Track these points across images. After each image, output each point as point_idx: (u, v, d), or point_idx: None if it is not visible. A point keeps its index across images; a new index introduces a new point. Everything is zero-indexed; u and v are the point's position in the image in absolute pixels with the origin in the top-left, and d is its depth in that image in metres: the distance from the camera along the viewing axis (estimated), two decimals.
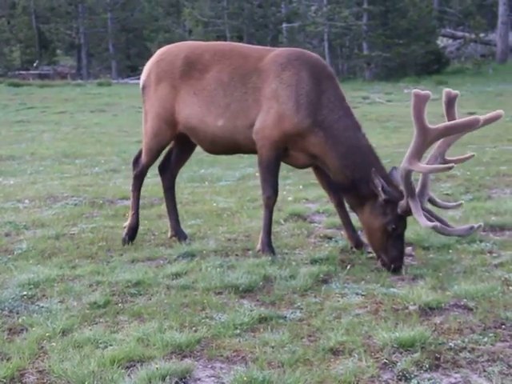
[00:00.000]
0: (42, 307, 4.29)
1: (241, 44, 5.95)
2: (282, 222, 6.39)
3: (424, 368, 3.43)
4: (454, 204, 5.29)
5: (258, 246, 5.42)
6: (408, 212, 4.87)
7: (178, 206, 6.13)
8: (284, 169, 5.60)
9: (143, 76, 5.80)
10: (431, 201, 5.03)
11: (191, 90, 5.49)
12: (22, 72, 37.16)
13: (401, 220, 4.99)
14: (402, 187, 4.89)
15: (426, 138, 4.65)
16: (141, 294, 4.54)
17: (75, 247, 5.69)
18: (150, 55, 6.00)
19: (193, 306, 4.28)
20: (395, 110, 18.36)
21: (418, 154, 4.70)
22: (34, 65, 38.78)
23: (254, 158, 9.61)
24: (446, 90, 4.99)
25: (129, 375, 3.37)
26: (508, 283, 4.59)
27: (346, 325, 3.93)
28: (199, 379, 3.39)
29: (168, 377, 3.32)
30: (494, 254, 5.32)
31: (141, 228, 6.25)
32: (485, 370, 3.40)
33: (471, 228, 4.76)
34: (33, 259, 5.33)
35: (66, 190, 8.12)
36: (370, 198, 5.04)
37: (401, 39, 31.81)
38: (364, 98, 21.17)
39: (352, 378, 3.32)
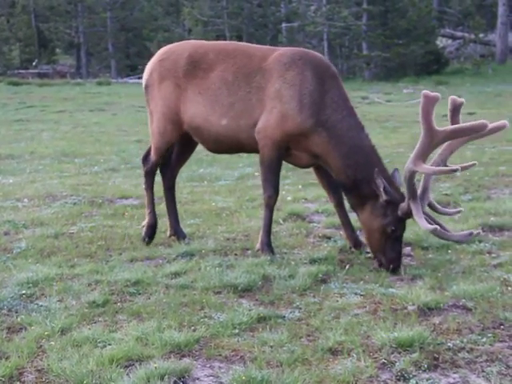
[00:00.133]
0: (41, 306, 4.29)
1: (244, 43, 5.93)
2: (281, 221, 6.39)
3: (422, 368, 3.43)
4: (454, 211, 5.28)
5: (258, 246, 5.42)
6: (408, 214, 4.87)
7: (177, 206, 6.13)
8: (283, 168, 5.60)
9: (145, 75, 5.79)
10: (431, 206, 5.02)
11: (196, 89, 5.49)
12: (21, 71, 37.12)
13: (400, 222, 4.99)
14: (403, 188, 4.89)
15: (432, 139, 4.64)
16: (140, 294, 4.55)
17: (74, 246, 5.69)
18: (150, 54, 6.01)
19: (192, 306, 4.28)
20: (394, 110, 18.37)
21: (423, 155, 4.70)
22: (34, 64, 38.76)
23: (253, 158, 9.65)
24: (451, 97, 4.96)
25: (127, 374, 3.38)
26: (507, 284, 4.60)
27: (344, 325, 3.93)
28: (198, 379, 3.40)
29: (167, 376, 3.32)
30: (493, 255, 5.32)
31: (139, 227, 6.25)
32: (483, 371, 3.41)
33: (470, 234, 4.78)
34: (32, 258, 5.33)
35: (65, 189, 8.12)
36: (371, 198, 5.04)
37: (400, 39, 31.81)
38: (363, 98, 21.18)
39: (351, 377, 3.32)
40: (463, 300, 4.30)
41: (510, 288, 4.51)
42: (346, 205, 5.56)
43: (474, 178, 8.26)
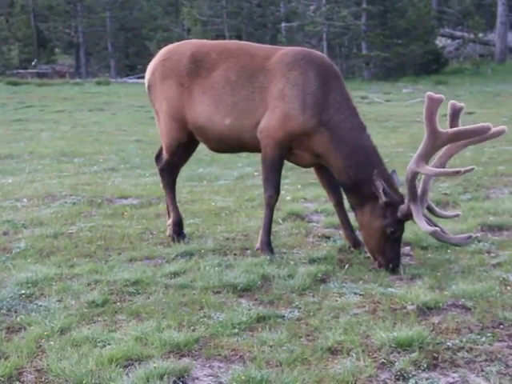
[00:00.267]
0: (40, 306, 4.29)
1: (247, 42, 5.91)
2: (281, 221, 6.39)
3: (422, 368, 3.44)
4: (452, 214, 5.28)
5: (257, 245, 5.42)
6: (408, 216, 4.87)
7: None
8: (283, 168, 5.60)
9: (147, 75, 5.79)
10: (429, 209, 5.02)
11: (199, 88, 5.49)
12: (20, 71, 37.07)
13: (399, 224, 4.99)
14: (405, 189, 4.88)
15: (436, 141, 4.64)
16: (139, 293, 4.55)
17: (73, 246, 5.69)
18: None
19: (191, 305, 4.28)
20: (394, 110, 18.36)
21: (426, 157, 4.70)
22: (33, 63, 38.71)
23: (253, 158, 9.66)
24: (451, 102, 4.95)
25: (127, 374, 3.38)
26: (506, 283, 4.60)
27: (344, 324, 3.94)
28: (197, 378, 3.40)
29: (166, 376, 3.33)
30: (492, 254, 5.32)
31: (138, 227, 6.26)
32: (483, 370, 3.41)
33: (469, 237, 4.79)
34: (31, 258, 5.33)
35: (65, 189, 8.12)
36: (371, 199, 5.03)
37: (399, 39, 31.79)
38: (363, 97, 21.17)
39: (350, 377, 3.33)
40: (462, 299, 4.31)
41: (509, 287, 4.52)
42: (346, 204, 5.57)
43: (473, 177, 8.26)
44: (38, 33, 40.73)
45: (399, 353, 3.59)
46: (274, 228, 5.95)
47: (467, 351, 3.60)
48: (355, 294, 4.48)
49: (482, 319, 4.00)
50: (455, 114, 4.92)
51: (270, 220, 5.43)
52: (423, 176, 4.94)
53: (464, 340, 3.72)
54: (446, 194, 7.39)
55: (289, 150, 5.36)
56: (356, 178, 5.11)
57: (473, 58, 32.92)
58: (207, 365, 3.53)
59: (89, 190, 8.10)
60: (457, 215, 5.21)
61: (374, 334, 3.78)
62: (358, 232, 5.67)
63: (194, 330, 3.87)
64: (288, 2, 35.89)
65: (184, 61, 5.56)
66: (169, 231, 5.91)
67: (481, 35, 33.76)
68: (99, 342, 3.73)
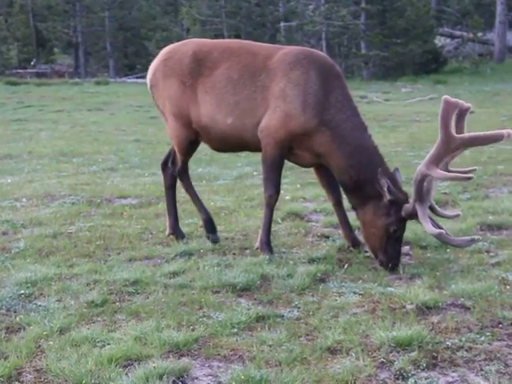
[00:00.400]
0: (40, 306, 4.29)
1: (249, 41, 5.88)
2: (280, 220, 6.39)
3: (421, 367, 3.43)
4: (453, 214, 5.27)
5: (257, 244, 5.42)
6: (412, 215, 4.87)
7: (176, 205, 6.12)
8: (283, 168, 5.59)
9: (149, 75, 5.77)
10: (431, 208, 5.02)
11: (202, 87, 5.47)
12: (19, 70, 37.08)
13: (402, 222, 4.99)
14: (412, 189, 4.87)
15: (449, 145, 4.61)
16: (138, 293, 4.54)
17: (73, 246, 5.69)
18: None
19: (190, 305, 4.28)
20: (393, 110, 18.37)
21: (437, 160, 4.68)
22: (32, 63, 38.71)
23: (252, 157, 9.66)
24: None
25: (126, 374, 3.37)
26: (505, 282, 4.60)
27: (343, 324, 3.93)
28: (196, 378, 3.40)
29: (165, 376, 3.32)
30: (492, 254, 5.32)
31: (138, 227, 6.26)
32: (482, 369, 3.41)
33: (472, 240, 4.79)
34: (30, 258, 5.33)
35: (64, 189, 8.11)
36: (373, 198, 5.03)
37: (399, 38, 31.83)
38: (362, 97, 21.18)
39: (349, 377, 3.32)
40: (462, 299, 4.31)
41: (508, 287, 4.52)
42: (345, 204, 5.57)
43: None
44: (36, 32, 40.72)
45: (398, 352, 3.59)
46: (273, 227, 5.94)
47: (466, 350, 3.60)
48: (354, 293, 4.48)
49: (481, 318, 4.00)
50: (461, 114, 4.88)
51: (270, 220, 5.43)
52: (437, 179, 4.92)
53: (463, 339, 3.72)
54: (445, 193, 7.40)
55: (289, 149, 5.36)
56: (358, 177, 5.10)
57: (472, 57, 32.95)
58: (206, 364, 3.53)
59: (88, 189, 8.10)
60: (457, 215, 5.21)
61: (373, 333, 3.78)
62: (357, 231, 5.67)
63: (193, 330, 3.87)
64: (287, 1, 35.92)
65: (186, 60, 5.54)
66: (168, 231, 5.91)
67: (480, 34, 33.81)
68: (98, 341, 3.73)
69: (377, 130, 13.31)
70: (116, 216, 6.75)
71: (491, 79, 28.19)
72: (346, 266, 5.03)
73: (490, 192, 7.55)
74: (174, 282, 4.72)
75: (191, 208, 6.98)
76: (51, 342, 3.72)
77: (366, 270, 4.96)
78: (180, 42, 5.89)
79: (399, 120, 15.83)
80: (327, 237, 5.86)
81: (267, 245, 5.36)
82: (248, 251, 5.45)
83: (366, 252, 5.37)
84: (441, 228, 4.82)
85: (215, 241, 5.66)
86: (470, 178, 4.75)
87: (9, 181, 8.90)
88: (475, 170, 4.93)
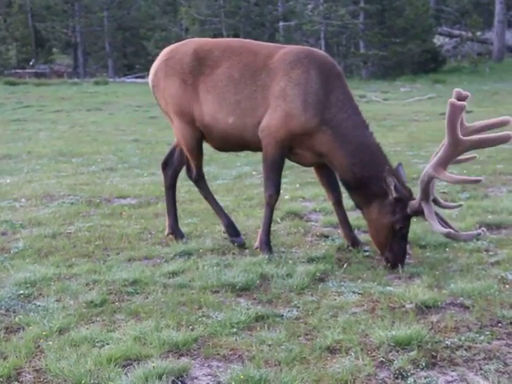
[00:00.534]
0: (39, 306, 4.29)
1: (249, 40, 5.86)
2: (279, 220, 6.39)
3: (420, 366, 3.44)
4: (455, 204, 5.32)
5: (256, 244, 5.42)
6: (417, 212, 4.88)
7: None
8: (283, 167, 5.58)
9: (151, 76, 5.76)
10: (434, 201, 5.04)
11: (203, 86, 5.46)
12: (18, 71, 37.07)
13: (408, 219, 5.01)
14: (418, 189, 4.88)
15: (457, 148, 4.61)
16: (137, 293, 4.54)
17: (72, 246, 5.69)
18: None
19: (189, 305, 4.28)
20: (392, 109, 18.37)
21: (445, 163, 4.69)
22: (31, 63, 38.70)
23: (251, 157, 9.66)
24: (456, 90, 4.89)
25: (125, 374, 3.37)
26: (504, 281, 4.60)
27: (342, 323, 3.93)
28: (196, 378, 3.40)
29: (165, 375, 3.32)
30: (491, 253, 5.33)
31: (137, 227, 6.26)
32: (481, 368, 3.41)
33: (478, 234, 4.80)
34: (29, 258, 5.33)
35: (63, 189, 8.11)
36: (378, 196, 5.03)
37: (397, 38, 31.85)
38: (361, 96, 21.17)
39: (349, 376, 3.32)
40: (461, 298, 4.31)
41: (507, 286, 4.52)
42: (345, 203, 5.57)
43: (471, 176, 8.26)
44: (35, 33, 40.72)
45: (398, 351, 3.59)
46: (273, 227, 5.94)
47: (466, 350, 3.60)
48: (354, 292, 4.48)
49: (480, 318, 4.00)
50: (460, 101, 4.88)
51: (270, 219, 5.43)
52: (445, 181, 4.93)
53: (462, 338, 3.72)
54: (444, 192, 7.40)
55: (290, 149, 5.35)
56: (361, 175, 5.10)
57: (471, 56, 32.96)
58: (206, 364, 3.53)
59: (87, 189, 8.10)
60: (460, 205, 5.24)
61: (372, 332, 3.78)
62: (356, 231, 5.68)
63: (192, 330, 3.87)
64: (286, 1, 35.91)
65: (187, 58, 5.54)
66: (167, 231, 5.91)
67: (479, 34, 33.81)
68: (98, 341, 3.73)
69: (375, 129, 13.28)
70: (115, 216, 6.74)
71: (490, 78, 28.20)
72: (345, 266, 5.03)
73: (489, 191, 7.55)
74: (174, 281, 4.71)
75: (190, 208, 7.00)
76: (50, 342, 3.72)
77: (365, 270, 4.97)
78: (181, 42, 5.88)
79: (398, 119, 15.84)
80: (326, 236, 5.86)
81: (267, 244, 5.36)
82: (247, 251, 5.45)
83: (366, 251, 5.37)
84: (448, 225, 4.82)
85: (241, 244, 5.58)
86: (479, 181, 4.76)
87: (8, 181, 8.90)
88: (475, 157, 4.92)
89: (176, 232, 5.87)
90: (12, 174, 9.45)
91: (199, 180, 5.89)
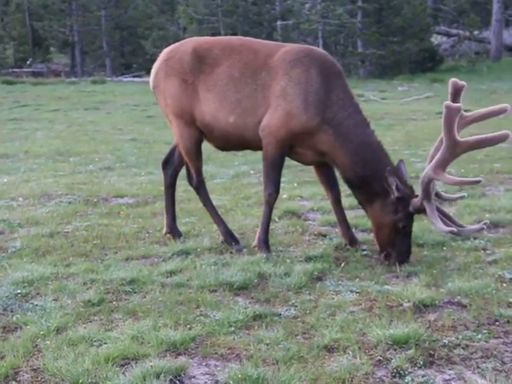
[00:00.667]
0: (36, 305, 4.28)
1: (249, 38, 5.85)
2: (277, 219, 6.39)
3: (418, 365, 3.44)
4: (457, 195, 5.34)
5: (254, 243, 5.43)
6: (420, 210, 4.90)
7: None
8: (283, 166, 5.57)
9: (152, 76, 5.74)
10: (436, 194, 5.06)
11: (204, 85, 5.44)
12: (15, 70, 36.99)
13: (410, 217, 5.02)
14: (420, 189, 4.89)
15: (455, 150, 4.64)
16: (135, 292, 4.54)
17: (69, 245, 5.68)
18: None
19: (187, 304, 4.28)
20: (389, 108, 18.37)
21: (444, 165, 4.71)
22: (28, 62, 38.63)
23: (249, 156, 9.65)
24: (452, 79, 4.91)
25: (123, 373, 3.37)
26: (502, 280, 4.61)
27: (340, 322, 3.94)
28: (194, 377, 3.40)
29: (162, 374, 3.32)
30: (488, 251, 5.33)
31: (135, 226, 6.26)
32: (479, 367, 3.42)
33: (482, 228, 4.83)
34: (27, 257, 5.32)
35: (60, 188, 8.10)
36: (380, 194, 5.04)
37: (395, 37, 31.82)
38: (358, 95, 21.11)
39: (346, 375, 3.33)
40: (458, 297, 4.32)
41: (504, 285, 4.52)
42: (344, 203, 5.57)
43: (468, 175, 8.27)
44: (33, 32, 40.64)
45: (395, 350, 3.59)
46: (271, 226, 5.94)
47: (463, 348, 3.61)
48: (351, 291, 4.48)
49: (477, 316, 4.01)
50: (457, 93, 4.88)
51: (269, 218, 5.42)
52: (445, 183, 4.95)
53: (460, 337, 3.72)
54: (442, 191, 7.39)
55: (291, 148, 5.34)
56: (363, 174, 5.11)
57: (468, 55, 32.97)
58: (204, 363, 3.53)
59: (84, 189, 8.09)
60: (462, 196, 5.28)
61: (370, 331, 3.78)
62: (354, 230, 5.68)
63: (190, 329, 3.87)
64: (283, 0, 35.88)
65: (186, 57, 5.51)
66: (165, 230, 5.90)
67: (476, 33, 33.81)
68: (95, 341, 3.73)
69: (373, 128, 13.35)
70: (113, 215, 6.74)
71: (488, 77, 28.20)
72: (342, 265, 5.03)
73: (487, 190, 7.56)
74: (171, 280, 4.71)
75: (188, 207, 7.00)
76: (48, 342, 3.72)
77: (362, 269, 4.97)
78: (180, 42, 5.86)
79: (396, 118, 15.85)
80: (324, 235, 5.87)
81: (265, 243, 5.36)
82: (245, 250, 5.45)
83: (364, 250, 5.37)
84: (451, 220, 4.83)
85: (241, 250, 5.49)
86: (478, 182, 4.77)
87: (5, 180, 8.89)
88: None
89: (174, 231, 5.86)
90: (9, 174, 9.44)
91: (199, 187, 5.86)
